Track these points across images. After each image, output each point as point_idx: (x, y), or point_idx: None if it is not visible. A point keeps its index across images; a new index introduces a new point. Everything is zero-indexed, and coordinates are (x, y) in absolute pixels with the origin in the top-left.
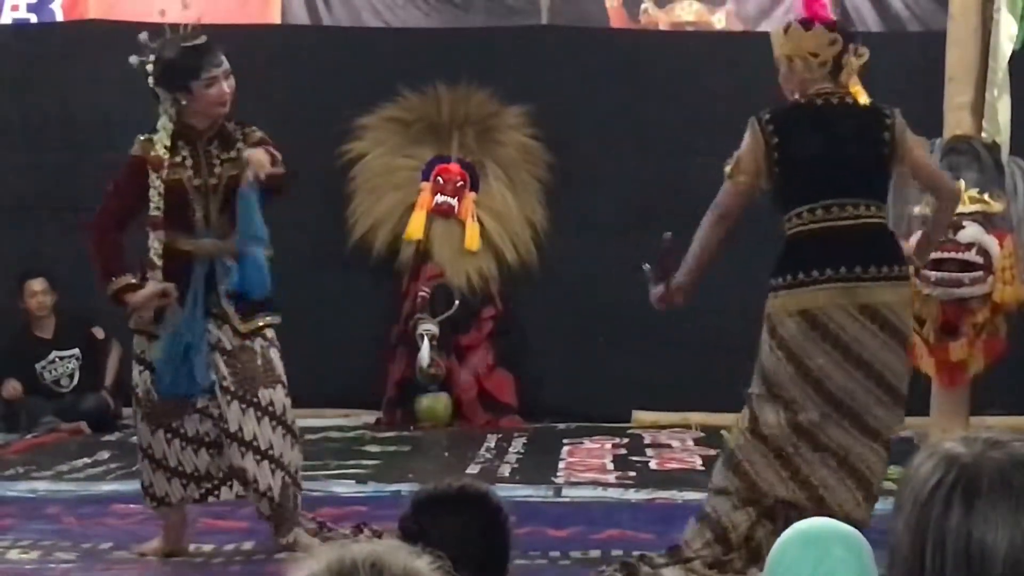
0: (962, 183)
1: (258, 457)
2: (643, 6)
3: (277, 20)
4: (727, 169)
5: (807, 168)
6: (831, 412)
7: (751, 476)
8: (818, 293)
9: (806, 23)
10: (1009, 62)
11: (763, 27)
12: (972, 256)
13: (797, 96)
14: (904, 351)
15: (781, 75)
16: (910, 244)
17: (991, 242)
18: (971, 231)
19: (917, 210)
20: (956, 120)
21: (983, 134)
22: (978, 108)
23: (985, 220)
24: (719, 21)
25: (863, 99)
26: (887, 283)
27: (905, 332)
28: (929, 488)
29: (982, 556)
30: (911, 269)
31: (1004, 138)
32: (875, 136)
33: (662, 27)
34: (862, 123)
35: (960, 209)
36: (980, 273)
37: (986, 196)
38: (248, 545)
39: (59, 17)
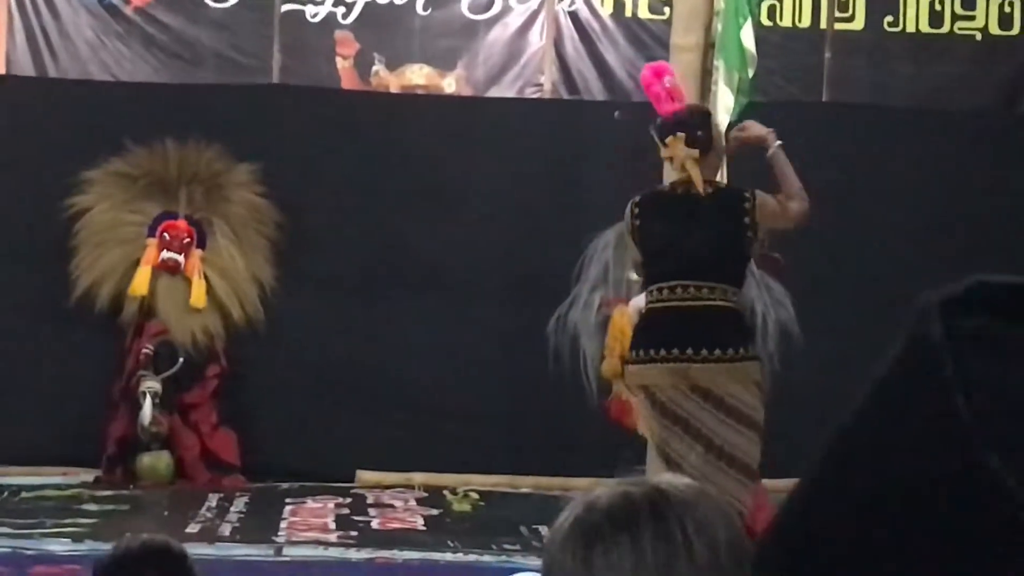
0: None
1: None
2: (374, 68)
3: (1, 71)
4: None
5: (661, 250)
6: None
7: None
8: (654, 371)
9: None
10: (725, 133)
11: (492, 92)
12: None
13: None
14: (748, 429)
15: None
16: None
17: None
18: None
19: (634, 276)
20: None
21: None
22: None
23: None
24: (449, 85)
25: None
26: (721, 364)
27: (745, 411)
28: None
29: None
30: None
31: None
32: (736, 222)
33: (393, 89)
34: (722, 208)
35: None
36: None
37: None
38: None
39: None
